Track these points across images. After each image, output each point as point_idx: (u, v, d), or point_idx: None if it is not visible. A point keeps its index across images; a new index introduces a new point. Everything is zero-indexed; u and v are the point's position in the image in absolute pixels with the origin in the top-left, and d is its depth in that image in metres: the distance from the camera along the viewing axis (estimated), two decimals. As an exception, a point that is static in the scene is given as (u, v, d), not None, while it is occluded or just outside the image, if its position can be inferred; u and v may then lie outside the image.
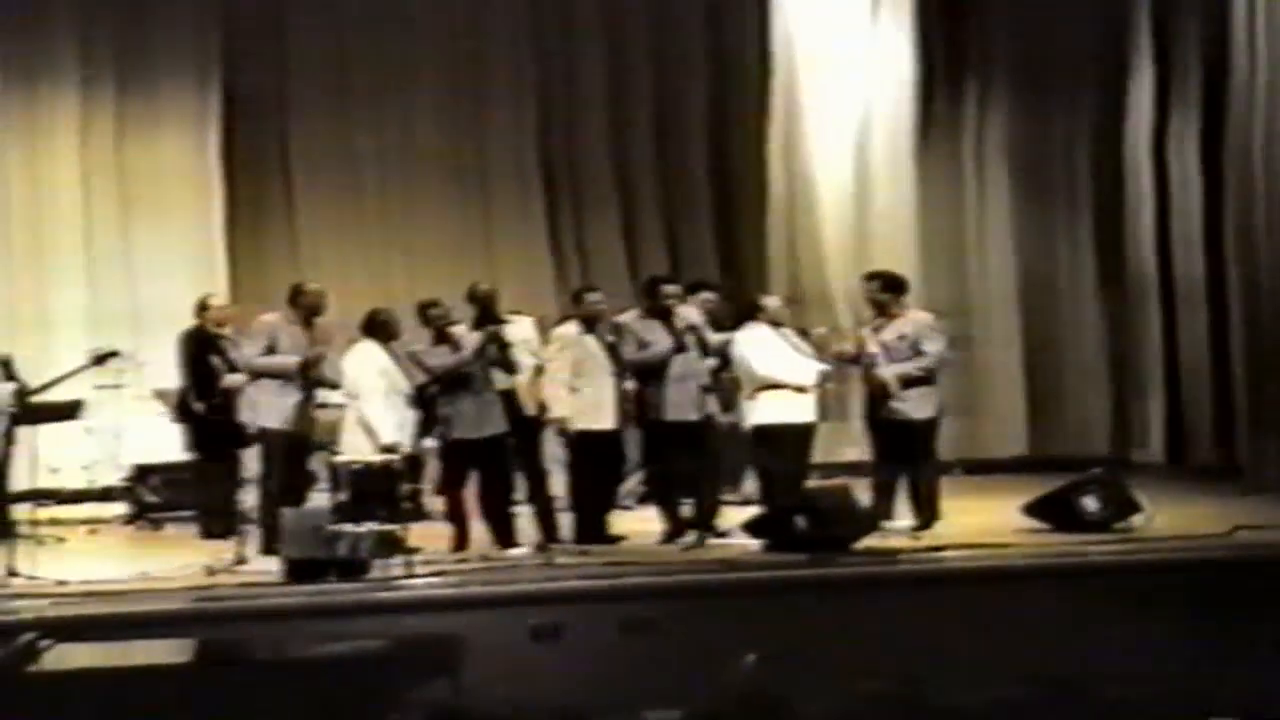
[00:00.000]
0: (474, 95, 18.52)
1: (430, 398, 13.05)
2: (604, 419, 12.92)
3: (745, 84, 19.01)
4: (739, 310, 13.67)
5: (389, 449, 12.40)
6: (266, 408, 12.42)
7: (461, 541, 12.53)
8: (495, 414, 12.56)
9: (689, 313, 13.06)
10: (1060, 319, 19.30)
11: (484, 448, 12.54)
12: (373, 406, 12.56)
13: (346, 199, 18.16)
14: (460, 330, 12.67)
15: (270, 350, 12.46)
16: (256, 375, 12.56)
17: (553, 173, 18.87)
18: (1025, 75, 19.18)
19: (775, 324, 13.35)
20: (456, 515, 12.66)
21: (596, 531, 12.86)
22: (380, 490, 11.59)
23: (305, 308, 12.64)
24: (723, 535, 12.71)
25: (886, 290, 13.29)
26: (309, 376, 12.44)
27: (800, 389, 13.03)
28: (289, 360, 12.38)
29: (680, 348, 12.77)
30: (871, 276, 13.56)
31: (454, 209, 18.40)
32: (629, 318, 13.20)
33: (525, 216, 18.64)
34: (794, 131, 18.76)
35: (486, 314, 12.90)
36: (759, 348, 13.06)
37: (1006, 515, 13.37)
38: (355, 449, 12.31)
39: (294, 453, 12.53)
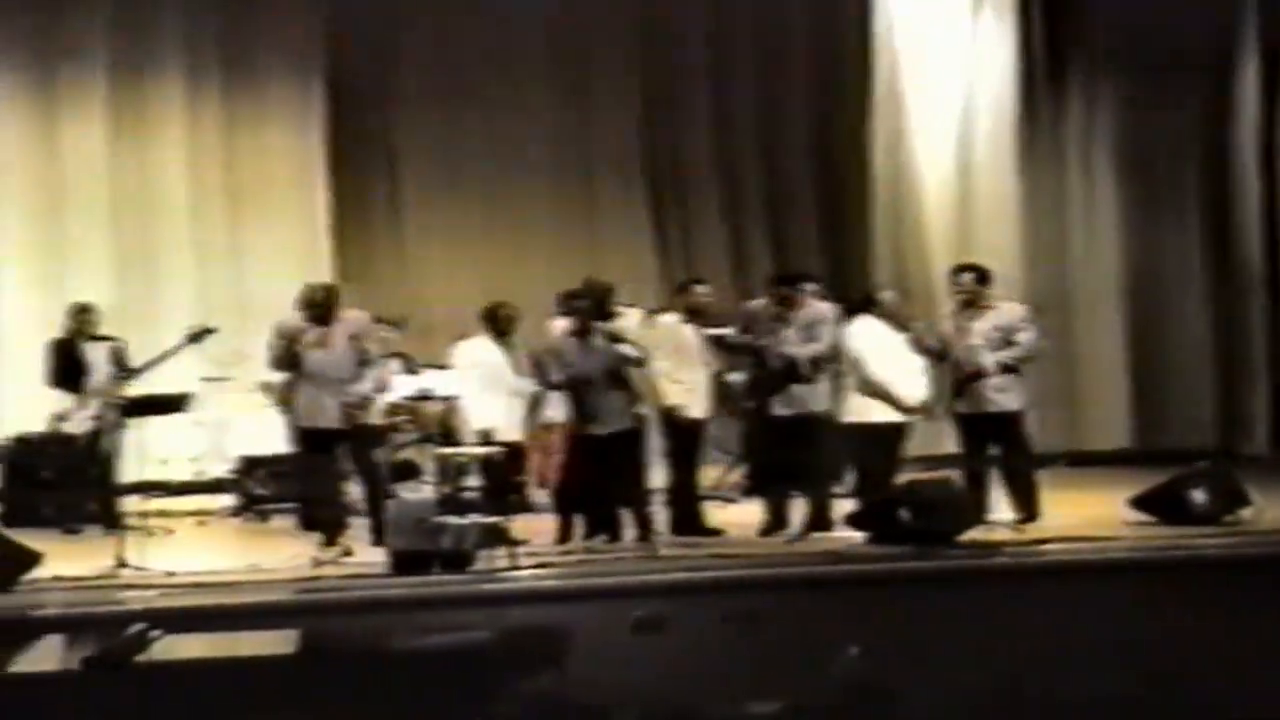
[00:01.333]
0: (578, 88, 18.57)
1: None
2: (695, 408, 12.93)
3: (848, 77, 18.98)
4: (851, 303, 13.61)
5: (484, 435, 12.46)
6: (308, 409, 12.43)
7: (566, 533, 12.54)
8: (619, 410, 12.50)
9: (820, 309, 12.99)
10: (1165, 311, 19.16)
11: (605, 443, 12.49)
12: (468, 396, 12.63)
13: (451, 190, 18.24)
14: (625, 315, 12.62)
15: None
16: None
17: (657, 166, 18.90)
18: (1131, 67, 19.05)
19: (889, 318, 13.31)
20: (564, 507, 12.65)
21: (695, 523, 12.85)
22: (485, 482, 11.64)
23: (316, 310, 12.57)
24: (826, 531, 12.67)
25: (980, 282, 13.22)
26: (294, 361, 12.32)
27: (908, 409, 12.98)
28: (279, 351, 12.40)
29: (757, 344, 12.75)
30: (963, 269, 13.46)
31: (559, 202, 18.46)
32: (754, 304, 13.20)
33: (629, 210, 18.68)
34: (897, 124, 18.72)
35: (600, 307, 12.83)
36: (873, 347, 13.03)
37: (1112, 508, 13.29)
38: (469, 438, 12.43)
39: (319, 448, 12.50)
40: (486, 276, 17.36)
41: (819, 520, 12.69)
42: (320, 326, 12.34)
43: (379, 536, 11.70)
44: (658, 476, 13.21)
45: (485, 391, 12.80)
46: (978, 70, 18.87)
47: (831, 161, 19.23)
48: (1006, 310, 13.23)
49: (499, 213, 18.33)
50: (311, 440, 12.37)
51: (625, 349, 12.46)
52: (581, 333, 12.51)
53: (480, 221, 18.33)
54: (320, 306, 12.40)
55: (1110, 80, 19.18)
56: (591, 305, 12.60)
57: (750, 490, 14.37)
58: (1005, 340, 12.98)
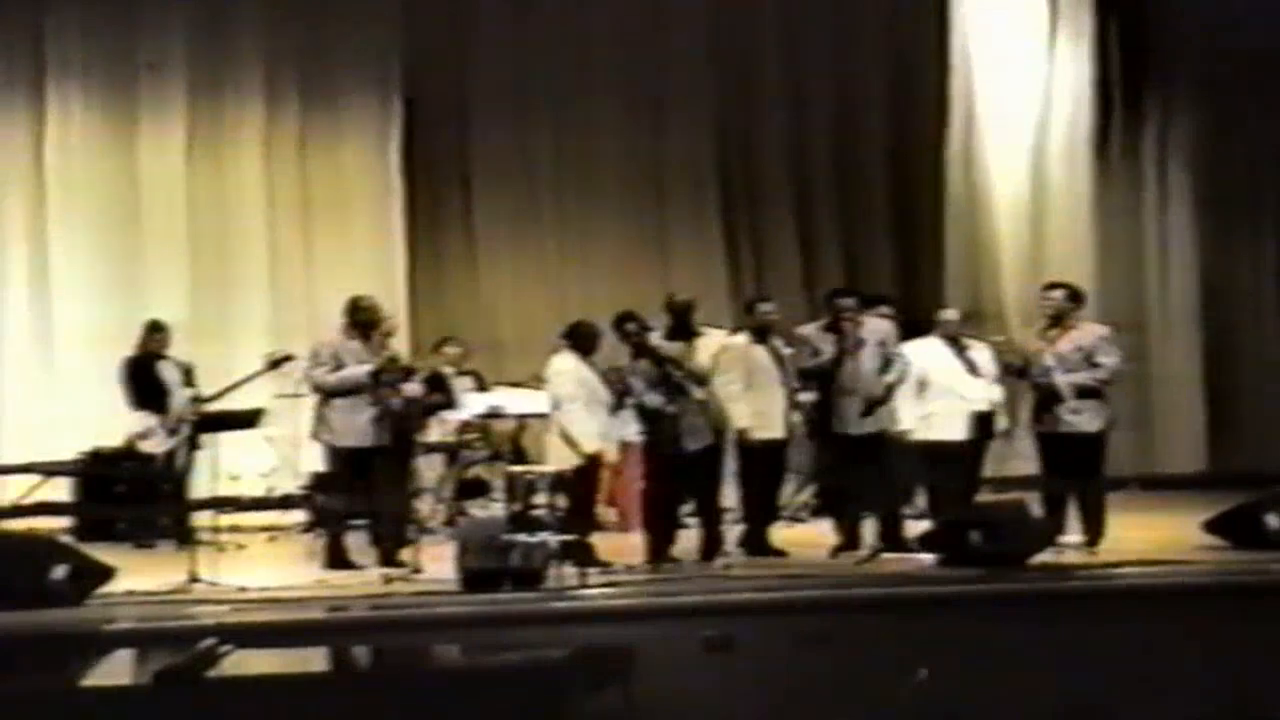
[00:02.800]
0: (651, 105, 18.58)
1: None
2: (772, 429, 12.86)
3: (923, 94, 18.92)
4: (917, 322, 13.57)
5: (593, 458, 12.49)
6: (343, 428, 12.44)
7: (658, 552, 12.46)
8: (698, 428, 12.46)
9: (881, 326, 12.96)
10: (1241, 332, 19.04)
11: (685, 461, 12.47)
12: (574, 416, 12.59)
13: (524, 208, 18.27)
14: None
15: (338, 369, 12.50)
16: (328, 395, 12.54)
17: (729, 183, 18.88)
18: (1208, 85, 18.95)
19: (950, 338, 13.28)
20: (653, 524, 12.58)
21: (763, 544, 12.81)
22: (555, 500, 11.65)
23: (362, 322, 12.62)
24: (898, 550, 12.60)
25: (1070, 300, 13.14)
26: (383, 383, 12.37)
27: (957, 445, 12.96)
28: (359, 371, 12.40)
29: (840, 360, 12.71)
30: (1054, 286, 13.38)
31: (630, 219, 18.46)
32: (810, 329, 13.14)
33: (701, 227, 18.66)
34: (971, 143, 18.68)
35: (681, 325, 12.78)
36: (929, 364, 13.01)
37: (1185, 531, 13.19)
38: (559, 458, 12.38)
39: (383, 467, 12.49)
40: (557, 295, 17.40)
41: (890, 541, 12.64)
42: (365, 343, 12.44)
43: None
44: (729, 496, 13.21)
45: (587, 409, 12.76)
46: (1053, 90, 18.80)
47: (905, 181, 19.18)
48: (1089, 331, 13.14)
49: (571, 231, 18.35)
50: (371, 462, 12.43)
51: (675, 372, 12.36)
52: (640, 355, 12.47)
53: (552, 240, 18.35)
54: (371, 321, 12.51)
55: (1187, 99, 19.09)
56: (637, 328, 12.54)
57: (819, 510, 14.34)
58: (1086, 361, 12.89)
